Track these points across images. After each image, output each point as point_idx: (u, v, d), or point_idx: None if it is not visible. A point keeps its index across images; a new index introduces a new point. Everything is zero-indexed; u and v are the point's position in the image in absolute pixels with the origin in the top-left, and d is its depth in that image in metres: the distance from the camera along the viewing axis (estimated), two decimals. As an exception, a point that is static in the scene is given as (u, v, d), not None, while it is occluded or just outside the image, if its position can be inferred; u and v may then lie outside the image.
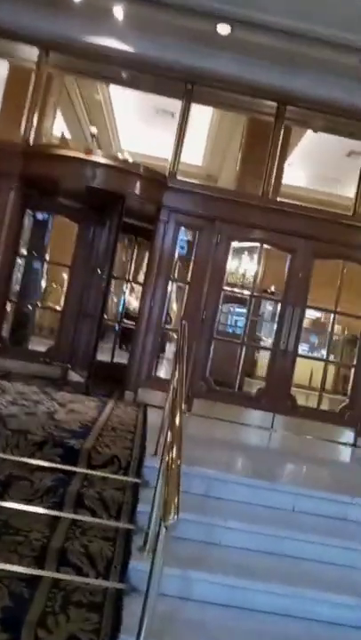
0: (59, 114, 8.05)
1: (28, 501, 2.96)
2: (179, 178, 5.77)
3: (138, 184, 5.53)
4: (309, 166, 10.54)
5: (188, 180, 5.77)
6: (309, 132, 8.18)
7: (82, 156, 5.35)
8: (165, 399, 3.65)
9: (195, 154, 10.01)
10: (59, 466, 3.26)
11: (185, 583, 2.69)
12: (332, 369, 10.61)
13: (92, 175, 5.30)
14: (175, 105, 8.53)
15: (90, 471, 3.28)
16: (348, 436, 5.78)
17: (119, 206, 5.63)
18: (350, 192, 7.08)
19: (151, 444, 3.73)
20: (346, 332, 12.48)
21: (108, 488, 3.14)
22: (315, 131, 7.71)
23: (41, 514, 2.90)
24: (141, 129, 11.13)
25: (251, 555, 2.99)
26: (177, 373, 3.06)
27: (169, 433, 2.54)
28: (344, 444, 5.72)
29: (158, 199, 5.67)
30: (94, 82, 8.42)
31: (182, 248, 6.79)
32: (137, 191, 5.52)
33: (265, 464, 4.20)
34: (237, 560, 2.91)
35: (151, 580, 2.01)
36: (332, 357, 8.42)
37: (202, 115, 8.85)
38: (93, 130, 5.32)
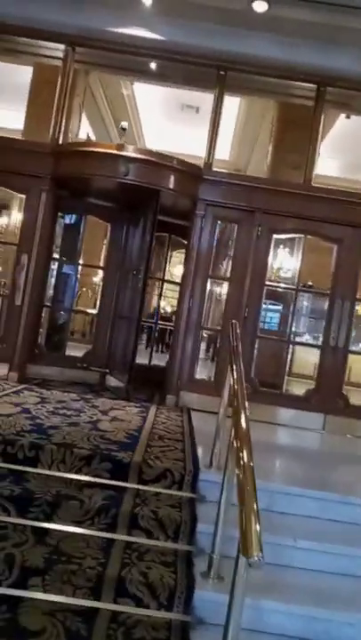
0: (83, 116, 7.90)
1: (79, 523, 2.72)
2: (214, 169, 5.47)
3: (172, 177, 5.25)
4: (341, 155, 10.11)
5: (223, 170, 5.46)
6: (341, 118, 7.82)
7: (114, 151, 5.11)
8: (218, 402, 3.38)
9: (221, 148, 9.71)
10: (109, 482, 3.02)
11: (257, 614, 2.39)
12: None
13: (126, 170, 5.05)
14: (200, 99, 8.26)
15: (142, 487, 3.02)
16: None
17: (153, 202, 5.38)
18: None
19: (203, 453, 3.45)
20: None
21: (162, 505, 2.87)
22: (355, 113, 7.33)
23: (94, 536, 2.66)
24: (166, 126, 10.90)
25: (327, 578, 2.67)
26: (235, 373, 2.76)
27: (233, 442, 2.25)
28: None
29: (194, 192, 5.39)
30: (118, 80, 8.24)
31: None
32: (171, 185, 5.25)
33: (327, 472, 3.87)
34: (313, 585, 2.59)
35: (229, 625, 1.73)
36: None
37: (227, 109, 8.61)
38: (124, 124, 5.08)
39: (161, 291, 7.43)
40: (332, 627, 2.36)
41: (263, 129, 8.58)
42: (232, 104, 8.45)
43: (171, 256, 6.96)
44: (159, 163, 5.19)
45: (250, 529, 1.70)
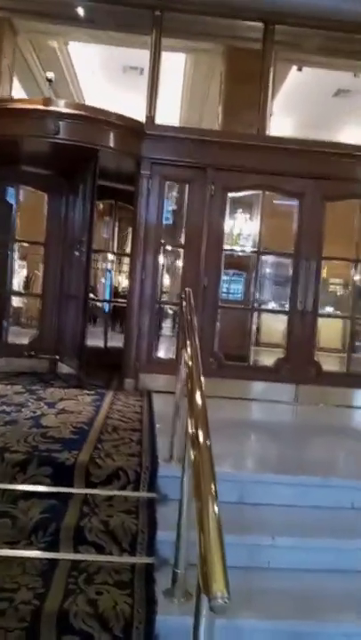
0: (16, 82, 7.11)
1: (12, 545, 2.22)
2: (158, 123, 4.89)
3: (111, 134, 4.65)
4: (294, 112, 9.63)
5: (169, 124, 4.89)
6: (292, 72, 7.33)
7: (40, 106, 4.45)
8: (175, 382, 2.92)
9: (170, 110, 9.10)
10: (49, 489, 2.52)
11: (235, 636, 1.97)
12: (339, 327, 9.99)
13: (55, 128, 4.41)
14: (143, 60, 7.58)
15: (90, 491, 2.54)
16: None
17: (92, 165, 4.77)
18: (341, 137, 6.24)
19: (164, 444, 2.99)
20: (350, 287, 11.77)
21: (115, 512, 2.40)
22: (302, 65, 6.85)
23: (31, 558, 2.17)
24: (108, 90, 10.11)
25: (312, 579, 2.27)
26: (189, 348, 2.29)
27: (188, 424, 1.81)
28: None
29: (137, 151, 4.81)
30: (51, 41, 7.45)
31: (167, 219, 6.00)
32: (111, 143, 4.65)
33: (303, 451, 3.47)
34: (297, 590, 2.19)
35: None
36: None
37: (173, 68, 7.97)
38: (50, 74, 4.41)
39: (114, 265, 6.85)
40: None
41: (213, 87, 8.01)
42: (178, 63, 7.87)
43: (121, 225, 6.36)
44: (94, 118, 4.57)
45: (210, 550, 1.24)
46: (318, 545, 2.35)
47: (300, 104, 8.98)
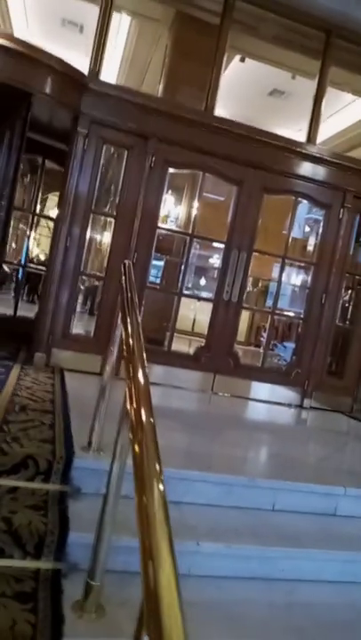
0: None
1: None
2: (102, 79, 4.46)
3: (49, 80, 4.14)
4: (231, 104, 9.56)
5: (115, 83, 4.47)
6: (234, 63, 7.20)
7: (-32, 31, 3.84)
8: (97, 361, 2.63)
9: (108, 73, 8.60)
10: None
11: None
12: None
13: (-16, 60, 3.83)
14: (83, 15, 6.98)
15: (-10, 481, 2.18)
16: (294, 397, 5.15)
17: (23, 111, 4.25)
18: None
19: (80, 429, 2.68)
20: (260, 284, 12.11)
21: (20, 508, 2.07)
22: (246, 57, 6.75)
23: None
24: (45, 45, 9.32)
25: (233, 586, 2.12)
26: (129, 326, 2.01)
27: (127, 405, 1.57)
28: (296, 406, 5.09)
29: (76, 105, 4.35)
30: None
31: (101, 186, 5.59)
32: (48, 89, 4.15)
33: (223, 446, 3.34)
34: (217, 599, 2.03)
35: None
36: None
37: (115, 28, 7.48)
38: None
39: (32, 228, 6.28)
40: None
41: (155, 59, 7.63)
42: (122, 24, 7.40)
43: (45, 186, 5.82)
44: (31, 56, 4.04)
45: (165, 589, 0.99)
46: (244, 552, 2.21)
47: (235, 97, 8.89)
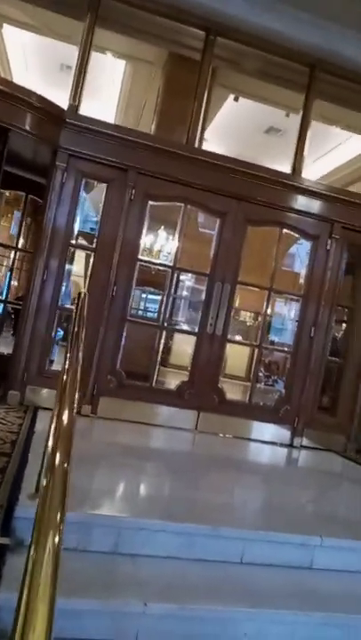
0: None
1: None
2: (82, 113, 4.47)
3: (28, 116, 4.15)
4: (226, 143, 9.70)
5: (93, 116, 4.47)
6: (229, 102, 7.32)
7: None
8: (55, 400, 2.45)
9: (107, 112, 8.78)
10: None
11: None
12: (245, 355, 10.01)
13: None
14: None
15: None
16: (283, 435, 4.91)
17: (0, 146, 4.23)
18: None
19: (35, 471, 2.49)
20: (259, 319, 11.98)
21: None
22: (239, 95, 6.86)
23: None
24: (43, 89, 9.59)
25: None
26: (67, 361, 1.87)
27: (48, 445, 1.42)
28: (286, 444, 4.84)
29: (54, 138, 4.34)
30: None
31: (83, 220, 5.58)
32: (27, 125, 4.15)
33: (195, 491, 3.11)
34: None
35: None
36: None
37: (113, 71, 7.66)
38: None
39: (18, 263, 6.23)
40: None
41: (149, 101, 7.79)
42: (118, 67, 7.59)
43: (31, 222, 5.80)
44: (9, 93, 4.05)
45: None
46: (200, 613, 1.97)
47: (231, 135, 9.04)
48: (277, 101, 6.74)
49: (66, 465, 1.31)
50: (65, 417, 1.49)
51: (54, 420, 1.50)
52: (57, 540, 1.08)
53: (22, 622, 0.92)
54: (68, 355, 1.88)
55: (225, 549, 2.36)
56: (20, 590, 0.99)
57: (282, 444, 4.85)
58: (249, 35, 4.77)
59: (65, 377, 1.72)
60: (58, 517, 1.13)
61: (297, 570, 2.44)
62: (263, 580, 2.31)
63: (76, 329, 2.07)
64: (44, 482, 1.31)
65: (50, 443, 1.42)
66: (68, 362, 1.83)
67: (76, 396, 1.65)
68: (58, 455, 1.33)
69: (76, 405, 2.39)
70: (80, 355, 1.91)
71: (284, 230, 5.02)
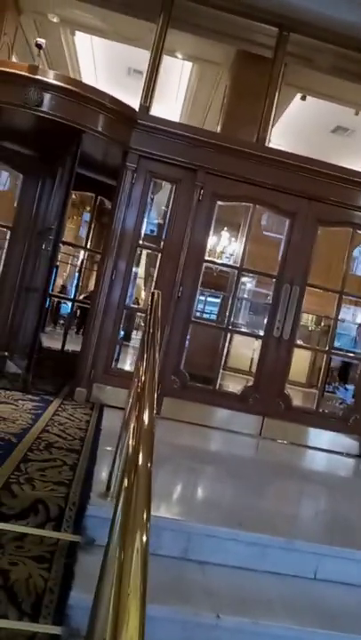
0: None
1: None
2: (152, 114, 4.48)
3: (101, 118, 4.20)
4: (291, 143, 9.49)
5: (166, 117, 4.48)
6: (295, 101, 7.15)
7: (25, 72, 3.98)
8: (127, 398, 2.44)
9: (173, 113, 8.84)
10: None
11: None
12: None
13: (38, 99, 3.95)
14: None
15: (-2, 525, 2.02)
16: (352, 445, 4.69)
17: (73, 147, 4.32)
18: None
19: (105, 469, 2.49)
20: (323, 323, 11.57)
21: (22, 559, 1.88)
22: (307, 94, 6.70)
23: None
24: (109, 89, 9.80)
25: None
26: (145, 359, 1.83)
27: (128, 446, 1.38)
28: (355, 455, 4.62)
29: (125, 140, 4.37)
30: (57, 28, 7.06)
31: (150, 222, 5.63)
32: (99, 127, 4.21)
33: (265, 501, 3.01)
34: None
35: None
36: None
37: (179, 72, 7.70)
38: (41, 40, 3.94)
39: (87, 263, 6.36)
40: None
41: (215, 101, 7.76)
42: (185, 69, 7.64)
43: (99, 222, 5.89)
44: (83, 95, 4.12)
45: None
46: (274, 630, 1.88)
47: (297, 135, 8.85)
48: (348, 99, 6.50)
49: (149, 465, 1.27)
50: (146, 417, 1.44)
51: (135, 421, 1.46)
52: (145, 539, 1.04)
53: (114, 622, 0.87)
54: (145, 355, 1.85)
55: (298, 563, 2.26)
56: (111, 589, 0.95)
57: (349, 455, 4.63)
58: (323, 28, 4.62)
59: (144, 377, 1.68)
60: (144, 517, 1.09)
61: (375, 591, 2.28)
62: (338, 598, 2.18)
63: (151, 330, 2.04)
64: (125, 482, 1.27)
65: (131, 442, 1.39)
66: (145, 362, 1.80)
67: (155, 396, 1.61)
68: (141, 455, 1.30)
69: (132, 401, 2.38)
70: (157, 355, 1.88)
71: (357, 231, 4.80)
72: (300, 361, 8.25)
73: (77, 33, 7.21)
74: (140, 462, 1.27)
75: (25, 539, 2.00)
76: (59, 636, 1.73)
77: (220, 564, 2.20)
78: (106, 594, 1.55)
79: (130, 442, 1.41)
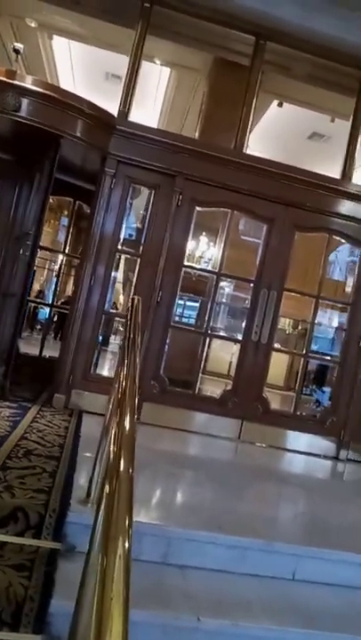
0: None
1: None
2: (131, 120, 4.50)
3: (79, 123, 4.20)
4: (268, 148, 9.63)
5: (143, 123, 4.50)
6: (272, 108, 7.26)
7: (1, 77, 3.95)
8: (107, 404, 2.44)
9: (151, 118, 8.87)
10: None
11: None
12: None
13: (15, 104, 3.93)
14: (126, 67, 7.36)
15: (-24, 535, 2.00)
16: (329, 447, 4.77)
17: (51, 153, 4.31)
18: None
19: (84, 479, 2.49)
20: (300, 327, 11.72)
21: (0, 569, 1.87)
22: (284, 101, 6.82)
23: None
24: (87, 95, 9.78)
25: None
26: (125, 366, 1.84)
27: (109, 452, 1.39)
28: (331, 457, 4.70)
29: (104, 145, 4.38)
30: (35, 33, 7.03)
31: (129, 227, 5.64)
32: (78, 132, 4.20)
33: (244, 504, 3.05)
34: None
35: None
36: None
37: (157, 78, 7.74)
38: (18, 45, 3.92)
39: (65, 269, 6.32)
40: None
41: (193, 107, 7.83)
42: (163, 75, 7.68)
43: (76, 227, 5.88)
44: (62, 101, 4.11)
45: None
46: (254, 632, 1.91)
47: (274, 141, 8.98)
48: (324, 106, 6.63)
49: (131, 471, 1.29)
50: (127, 423, 1.46)
51: (115, 426, 1.47)
52: (127, 545, 1.05)
53: (97, 627, 0.88)
54: (126, 361, 1.86)
55: (277, 565, 2.29)
56: (94, 596, 0.96)
57: (326, 457, 4.71)
58: (299, 39, 4.69)
59: (124, 383, 1.70)
60: (127, 523, 1.10)
61: (352, 590, 2.33)
62: (317, 599, 2.22)
63: (131, 335, 2.05)
64: (107, 488, 1.28)
65: (112, 448, 1.40)
66: (126, 368, 1.81)
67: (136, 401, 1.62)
68: (122, 461, 1.31)
69: (112, 407, 2.38)
70: (137, 361, 1.89)
71: (333, 236, 4.90)
72: (278, 364, 8.33)
73: (55, 37, 7.19)
74: (122, 468, 1.28)
75: (5, 547, 1.99)
76: (38, 646, 1.72)
77: (201, 567, 2.21)
78: (87, 600, 1.55)
79: (111, 448, 1.42)
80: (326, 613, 2.13)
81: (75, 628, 1.58)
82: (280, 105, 7.20)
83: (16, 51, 4.06)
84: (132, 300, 2.42)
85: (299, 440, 4.72)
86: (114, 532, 1.08)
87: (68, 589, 1.83)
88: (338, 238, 4.95)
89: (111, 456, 1.37)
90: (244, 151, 4.72)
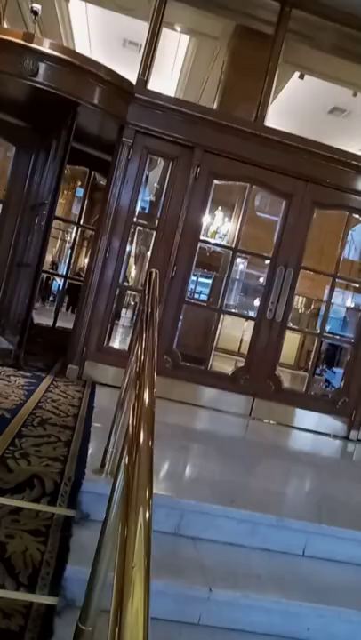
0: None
1: None
2: (150, 88, 4.39)
3: (97, 90, 4.11)
4: (287, 122, 9.39)
5: (162, 92, 4.39)
6: (293, 80, 7.03)
7: (20, 40, 3.85)
8: (123, 376, 2.44)
9: (168, 87, 8.67)
10: None
11: None
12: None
13: (33, 68, 3.84)
14: (143, 35, 7.15)
15: (-7, 499, 2.03)
16: (340, 427, 4.77)
17: (69, 120, 4.23)
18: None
19: (98, 449, 2.51)
20: (312, 306, 11.63)
21: (18, 532, 1.90)
22: (305, 73, 6.58)
23: None
24: (103, 61, 9.56)
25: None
26: (144, 342, 1.83)
27: (129, 425, 1.39)
28: (342, 437, 4.71)
29: (122, 114, 4.29)
30: None
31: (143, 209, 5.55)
32: (95, 99, 4.11)
33: (256, 479, 3.06)
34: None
35: None
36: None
37: (175, 46, 7.54)
38: (37, 6, 3.80)
39: (79, 240, 6.28)
40: None
41: (212, 76, 7.61)
42: (182, 42, 7.49)
43: (92, 198, 5.80)
44: (80, 67, 4.01)
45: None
46: (264, 604, 1.93)
47: (293, 114, 8.75)
48: (347, 79, 6.42)
49: (150, 443, 1.28)
50: (146, 396, 1.45)
51: (134, 400, 1.46)
52: (147, 515, 1.05)
53: (119, 594, 0.89)
54: (145, 335, 1.85)
55: (288, 540, 2.31)
56: (114, 563, 0.97)
57: (337, 437, 4.72)
58: (326, 5, 4.52)
59: (143, 357, 1.68)
60: (147, 494, 1.10)
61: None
62: (326, 575, 2.24)
63: (149, 309, 2.03)
64: (126, 459, 1.29)
65: (131, 421, 1.40)
66: (144, 342, 1.79)
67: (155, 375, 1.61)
68: (142, 433, 1.30)
69: (128, 380, 2.38)
70: (156, 335, 1.87)
71: (353, 215, 4.79)
72: (289, 343, 8.31)
73: (72, 0, 6.99)
74: (142, 440, 1.28)
75: (21, 512, 2.02)
76: (53, 607, 1.76)
77: (212, 539, 2.24)
78: (103, 567, 1.58)
79: (130, 420, 1.42)
80: (335, 589, 2.15)
81: (90, 593, 1.62)
82: (301, 77, 6.97)
83: (34, 12, 3.92)
84: (150, 273, 2.39)
85: (310, 419, 4.72)
86: (134, 502, 1.07)
87: (83, 556, 1.87)
88: (357, 216, 4.85)
89: (130, 429, 1.37)
90: (265, 124, 4.59)
